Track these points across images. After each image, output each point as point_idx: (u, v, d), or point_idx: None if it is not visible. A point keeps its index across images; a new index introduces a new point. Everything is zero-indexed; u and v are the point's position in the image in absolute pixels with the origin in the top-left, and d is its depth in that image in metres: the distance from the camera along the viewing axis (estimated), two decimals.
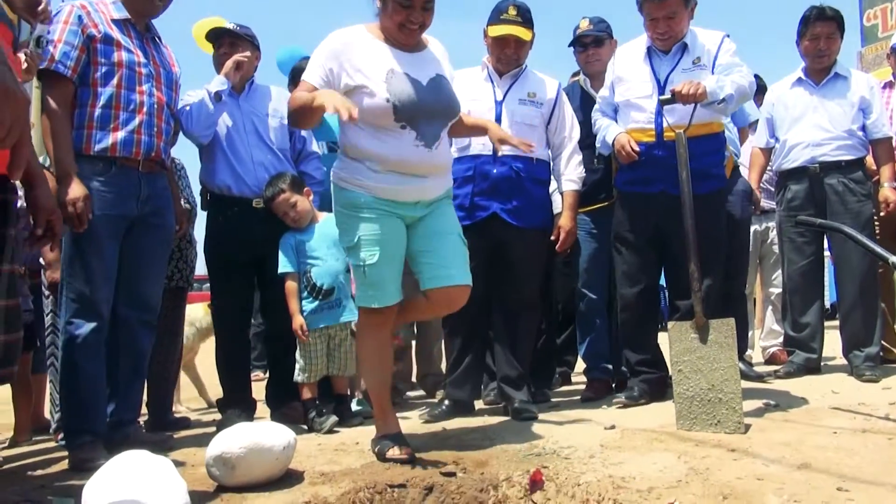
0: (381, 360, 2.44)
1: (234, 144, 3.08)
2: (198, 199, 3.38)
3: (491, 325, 3.09)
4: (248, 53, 3.09)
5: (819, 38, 3.47)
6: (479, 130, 2.65)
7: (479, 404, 3.22)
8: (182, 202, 3.21)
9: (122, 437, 2.58)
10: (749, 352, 4.06)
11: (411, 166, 2.28)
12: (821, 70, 3.52)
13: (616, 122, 3.09)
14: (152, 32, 2.77)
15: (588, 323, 3.42)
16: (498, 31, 2.93)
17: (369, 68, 2.25)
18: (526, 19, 2.95)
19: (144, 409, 3.14)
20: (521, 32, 2.93)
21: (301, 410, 3.01)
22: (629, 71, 3.02)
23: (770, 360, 4.31)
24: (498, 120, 2.95)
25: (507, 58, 2.99)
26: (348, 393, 3.18)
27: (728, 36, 2.94)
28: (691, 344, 2.50)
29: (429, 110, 2.29)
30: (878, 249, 2.33)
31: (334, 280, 3.03)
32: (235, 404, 3.07)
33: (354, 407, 3.18)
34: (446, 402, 3.01)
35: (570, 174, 3.07)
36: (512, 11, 2.93)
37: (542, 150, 3.04)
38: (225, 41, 3.15)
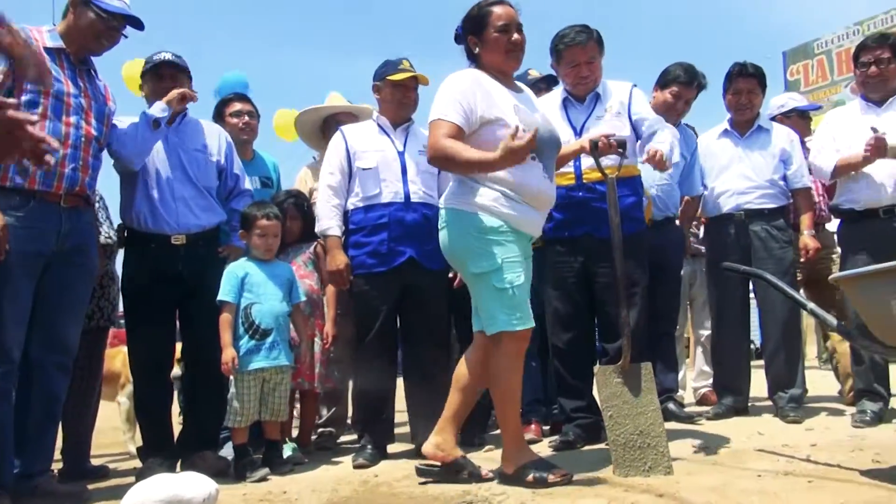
0: (520, 387, 2.45)
1: (156, 178, 2.98)
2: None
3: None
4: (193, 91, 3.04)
5: (742, 92, 3.64)
6: (572, 154, 2.76)
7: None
8: (102, 237, 3.10)
9: (31, 489, 2.42)
10: (681, 392, 4.13)
11: (543, 197, 2.44)
12: (744, 122, 3.69)
13: None
14: (88, 65, 2.70)
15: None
16: (401, 76, 3.08)
17: (499, 103, 2.40)
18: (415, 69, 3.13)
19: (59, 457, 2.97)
20: (421, 77, 3.11)
21: (212, 460, 2.90)
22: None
23: (701, 401, 4.40)
24: (404, 170, 3.06)
25: (410, 101, 3.14)
26: (280, 439, 3.07)
27: (636, 85, 3.13)
28: (617, 388, 2.53)
29: (550, 143, 2.48)
30: (797, 296, 2.42)
31: (274, 321, 2.96)
32: (156, 452, 2.92)
33: (286, 454, 3.08)
34: (369, 446, 2.97)
35: None
36: (407, 63, 3.11)
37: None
38: (166, 73, 3.09)
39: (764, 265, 3.37)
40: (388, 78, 3.11)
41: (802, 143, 3.91)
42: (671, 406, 3.54)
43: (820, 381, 4.76)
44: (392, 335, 3.08)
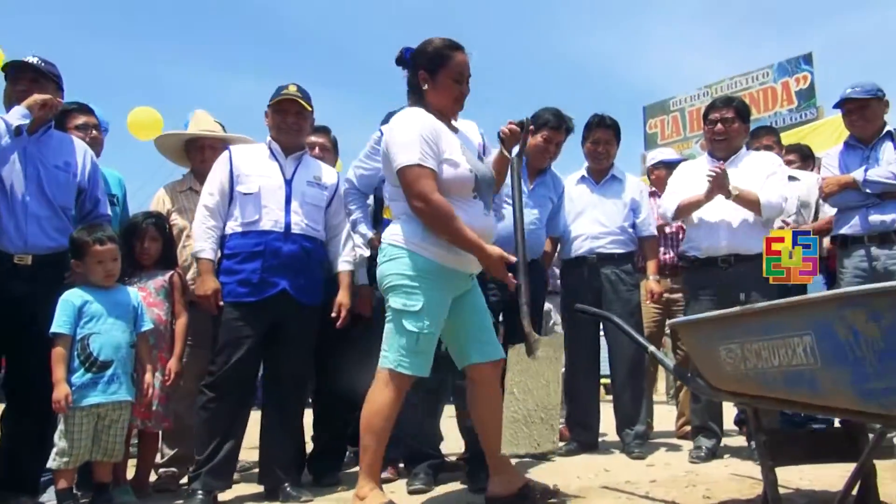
0: (390, 427, 2.41)
1: (10, 191, 2.71)
2: None
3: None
4: (59, 100, 2.82)
5: (599, 142, 3.86)
6: (500, 165, 2.72)
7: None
8: None
9: None
10: None
11: (485, 233, 2.48)
12: (600, 171, 3.91)
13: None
14: None
15: None
16: (278, 98, 3.01)
17: (447, 142, 2.44)
18: (305, 96, 3.05)
19: None
20: (302, 101, 3.03)
21: None
22: None
23: None
24: (288, 199, 2.97)
25: (289, 127, 3.04)
26: (110, 481, 2.81)
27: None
28: (524, 365, 2.51)
29: (488, 181, 2.54)
30: (640, 339, 2.55)
31: (115, 353, 2.75)
32: None
33: (120, 498, 2.83)
34: (200, 493, 2.76)
35: (346, 255, 3.15)
36: (292, 88, 3.04)
37: (324, 232, 3.09)
38: (25, 77, 2.82)
39: (612, 306, 3.56)
40: (270, 103, 3.04)
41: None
42: None
43: (667, 417, 5.05)
44: (251, 371, 2.93)
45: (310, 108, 3.08)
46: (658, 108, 13.16)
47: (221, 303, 2.88)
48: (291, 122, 3.04)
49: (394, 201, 2.53)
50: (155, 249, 3.18)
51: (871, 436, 2.02)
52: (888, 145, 3.38)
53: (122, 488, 2.90)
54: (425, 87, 2.49)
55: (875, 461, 2.02)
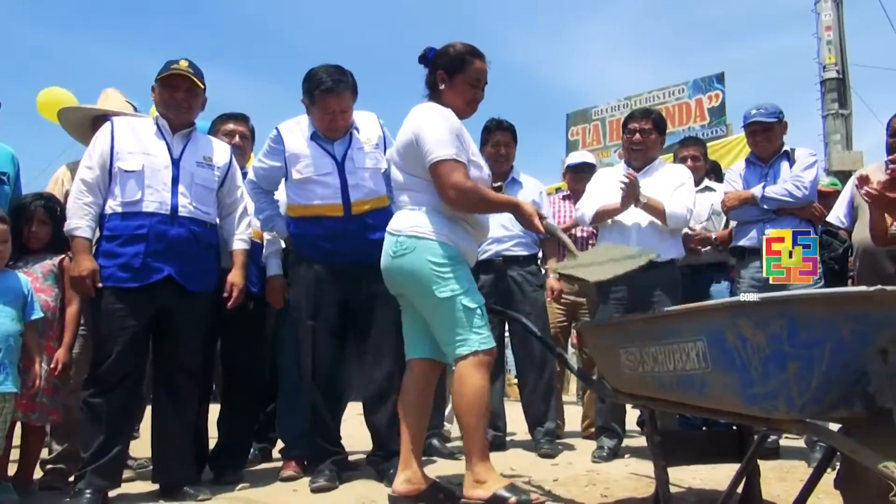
0: (489, 407, 2.51)
1: None
2: None
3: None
4: None
5: (500, 144, 3.92)
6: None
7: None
8: None
9: None
10: (447, 426, 4.25)
11: (485, 230, 2.69)
12: (501, 174, 3.94)
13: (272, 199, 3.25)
14: None
15: (288, 398, 3.31)
16: (168, 73, 2.87)
17: (471, 144, 2.55)
18: (197, 72, 2.93)
19: None
20: (193, 77, 2.89)
21: None
22: (304, 149, 3.07)
23: None
24: (176, 180, 2.84)
25: (178, 104, 2.90)
26: None
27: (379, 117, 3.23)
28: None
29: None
30: (547, 340, 2.60)
31: (3, 342, 2.59)
32: None
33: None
34: (88, 492, 2.61)
35: (241, 234, 3.07)
36: (183, 64, 2.90)
37: (215, 215, 2.99)
38: None
39: (520, 306, 3.62)
40: (158, 77, 2.89)
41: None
42: (435, 442, 3.63)
43: (577, 417, 5.16)
44: (136, 363, 2.77)
45: (202, 86, 2.93)
46: (580, 117, 13.49)
47: (100, 285, 2.71)
48: (181, 99, 2.88)
49: (411, 191, 2.51)
50: (44, 233, 3.00)
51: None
52: (785, 164, 3.57)
53: (2, 486, 2.73)
54: (442, 86, 2.56)
55: (761, 462, 2.13)
